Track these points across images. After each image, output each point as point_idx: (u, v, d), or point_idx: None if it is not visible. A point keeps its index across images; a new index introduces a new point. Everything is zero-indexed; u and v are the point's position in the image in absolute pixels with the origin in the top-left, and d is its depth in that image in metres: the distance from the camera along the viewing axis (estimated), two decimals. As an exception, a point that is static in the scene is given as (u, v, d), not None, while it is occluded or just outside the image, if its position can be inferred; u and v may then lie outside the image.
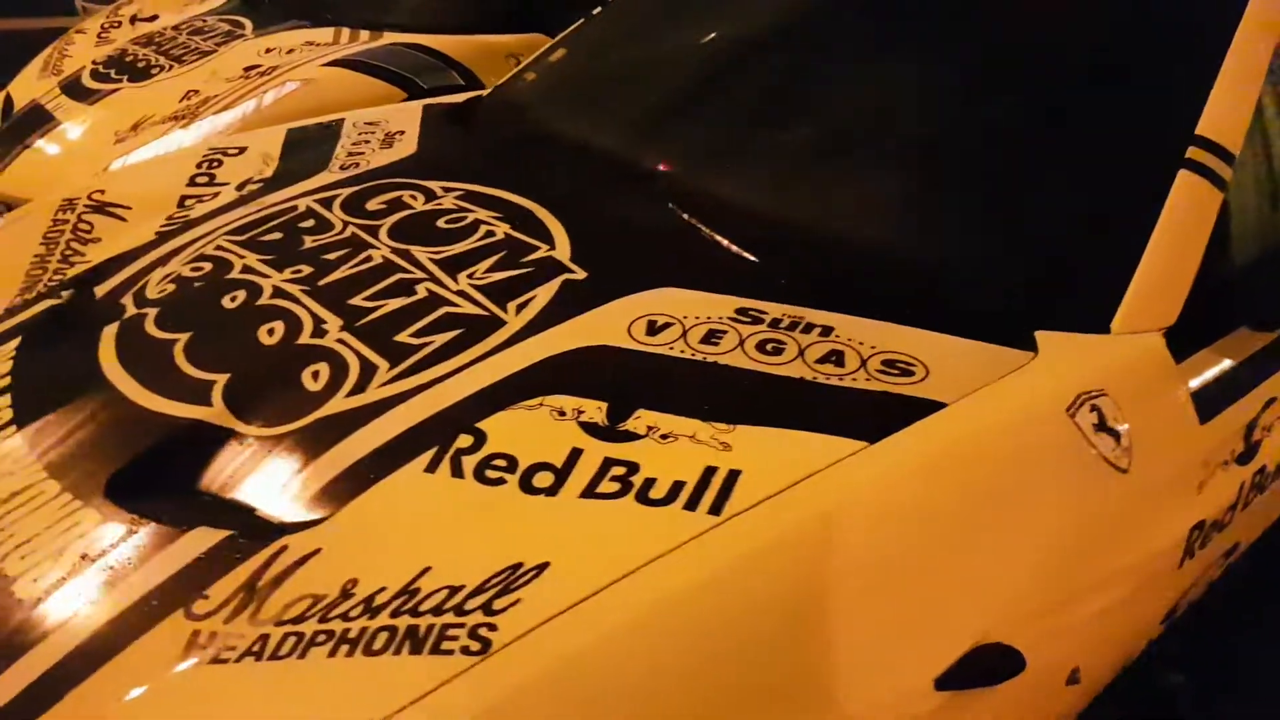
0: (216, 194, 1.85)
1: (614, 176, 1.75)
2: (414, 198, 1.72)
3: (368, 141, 2.02)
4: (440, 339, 1.33)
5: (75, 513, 1.14)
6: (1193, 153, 1.45)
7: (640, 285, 1.40)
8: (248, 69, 3.16)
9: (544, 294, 1.41)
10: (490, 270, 1.48)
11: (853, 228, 1.54)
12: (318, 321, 1.39)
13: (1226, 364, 1.40)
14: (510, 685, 0.88)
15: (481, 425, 1.18)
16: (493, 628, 0.92)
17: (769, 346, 1.28)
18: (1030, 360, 1.26)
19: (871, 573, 1.03)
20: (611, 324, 1.33)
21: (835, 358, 1.25)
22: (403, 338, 1.34)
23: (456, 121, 2.15)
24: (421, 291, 1.44)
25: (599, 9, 2.43)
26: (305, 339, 1.36)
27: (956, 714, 1.06)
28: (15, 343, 1.47)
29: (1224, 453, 1.40)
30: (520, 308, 1.38)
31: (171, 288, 1.53)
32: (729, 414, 1.15)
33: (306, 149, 2.00)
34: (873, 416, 1.15)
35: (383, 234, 1.60)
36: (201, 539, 1.08)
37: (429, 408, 1.22)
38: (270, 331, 1.38)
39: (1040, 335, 1.30)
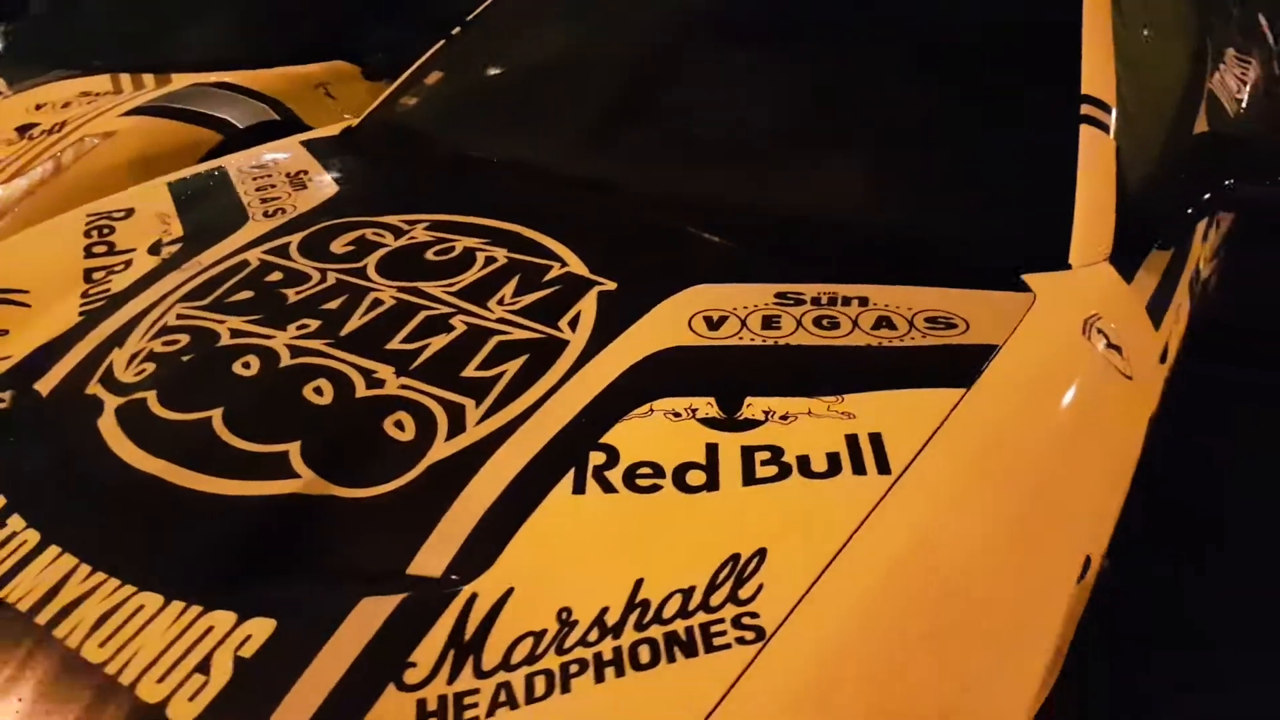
0: (128, 261, 1.69)
1: (583, 188, 1.77)
2: (379, 234, 1.66)
3: (272, 185, 1.90)
4: (510, 367, 1.31)
5: (197, 620, 1.03)
6: (1085, 109, 1.69)
7: (673, 287, 1.44)
8: (22, 129, 2.84)
9: (587, 308, 1.42)
10: (518, 294, 1.46)
11: (838, 208, 1.66)
12: (366, 373, 1.32)
13: (1154, 280, 1.65)
14: (804, 662, 0.92)
15: (606, 440, 1.18)
16: (754, 615, 0.95)
17: (824, 322, 1.37)
18: (1034, 300, 1.43)
19: (1023, 495, 1.15)
20: (671, 326, 1.37)
21: (885, 323, 1.36)
22: (470, 373, 1.31)
23: (350, 153, 2.06)
24: (459, 325, 1.40)
25: (457, 29, 2.41)
26: (364, 392, 1.29)
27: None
28: None
29: (1160, 354, 1.65)
30: (572, 325, 1.39)
31: (151, 366, 1.39)
32: (827, 388, 1.23)
33: (203, 202, 1.87)
34: (950, 366, 1.27)
35: (373, 274, 1.54)
36: (372, 611, 1.02)
37: (541, 435, 1.20)
38: (318, 391, 1.30)
39: (1027, 278, 1.48)
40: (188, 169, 2.05)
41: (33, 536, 1.15)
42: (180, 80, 3.01)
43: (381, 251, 1.60)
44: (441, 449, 1.20)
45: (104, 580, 1.08)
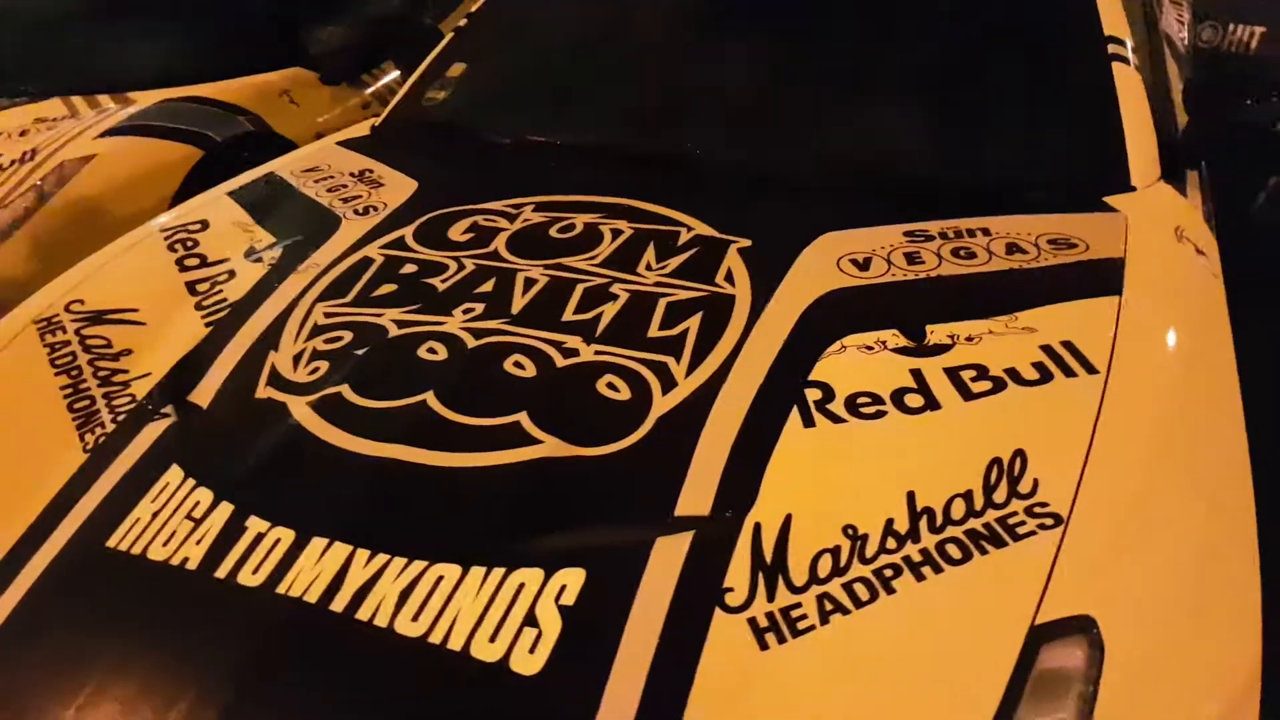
0: (231, 271, 1.66)
1: (665, 160, 1.84)
2: (491, 220, 1.69)
3: (344, 186, 1.90)
4: (691, 323, 1.38)
5: (505, 581, 1.07)
6: (1112, 49, 1.86)
7: (806, 238, 1.53)
8: None
9: (734, 264, 1.49)
10: (661, 259, 1.52)
11: (916, 158, 1.79)
12: (556, 345, 1.36)
13: (1199, 196, 1.83)
14: (1107, 537, 1.03)
15: (814, 378, 1.27)
16: (1044, 504, 1.05)
17: (961, 252, 1.48)
18: (1125, 218, 1.58)
19: (1202, 376, 1.29)
20: (823, 271, 1.46)
21: (1015, 249, 1.49)
22: (655, 334, 1.37)
23: (402, 148, 2.07)
24: (621, 293, 1.46)
25: (465, 21, 2.43)
26: (564, 362, 1.33)
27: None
28: (175, 472, 1.27)
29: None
30: (729, 280, 1.46)
31: (325, 364, 1.40)
32: (998, 309, 1.35)
33: (278, 208, 1.85)
34: (1093, 278, 1.40)
35: (509, 256, 1.57)
36: (671, 548, 1.08)
37: (752, 380, 1.28)
38: (519, 365, 1.33)
39: (1108, 200, 1.64)
40: (236, 180, 2.00)
41: (285, 534, 1.15)
42: (145, 98, 2.90)
43: (503, 235, 1.64)
44: (663, 403, 1.26)
45: (388, 560, 1.10)
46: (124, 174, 2.64)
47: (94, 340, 1.53)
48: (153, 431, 1.35)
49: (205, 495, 1.22)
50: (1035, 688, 0.90)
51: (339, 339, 1.44)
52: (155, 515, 1.21)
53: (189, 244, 1.74)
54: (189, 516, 1.20)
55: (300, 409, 1.33)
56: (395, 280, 1.55)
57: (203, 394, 1.41)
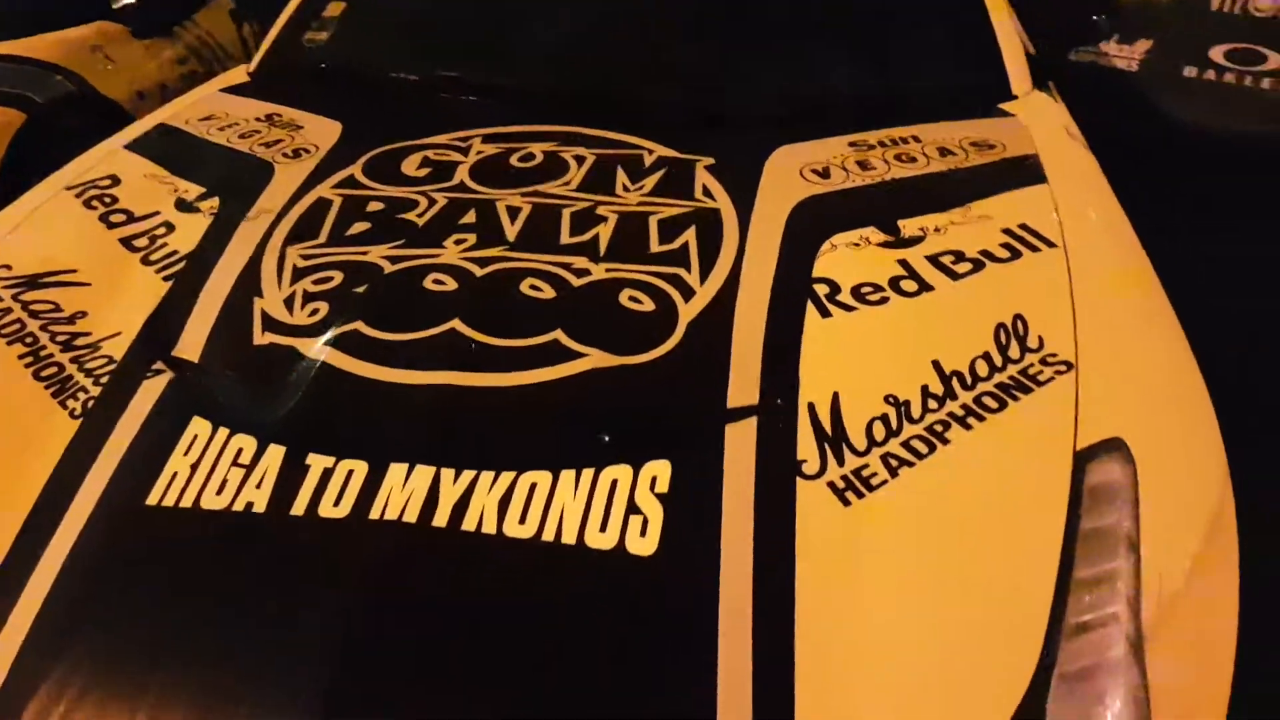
0: (167, 224, 1.57)
1: (592, 92, 1.88)
2: (442, 154, 1.68)
3: (258, 131, 1.82)
4: (688, 236, 1.45)
5: (598, 480, 1.11)
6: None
7: (765, 151, 1.63)
8: None
9: (707, 180, 1.57)
10: (635, 180, 1.58)
11: (839, 77, 1.92)
12: (565, 266, 1.39)
13: (1061, 104, 2.07)
14: (1118, 373, 1.20)
15: (817, 275, 1.38)
16: (1053, 354, 1.20)
17: (903, 158, 1.63)
18: (1022, 121, 1.78)
19: (1124, 240, 1.50)
20: (789, 182, 1.57)
21: (946, 152, 1.65)
22: (658, 249, 1.43)
23: (302, 90, 1.99)
24: (609, 214, 1.50)
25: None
26: (579, 281, 1.37)
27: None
28: (200, 424, 1.22)
29: None
30: (707, 194, 1.54)
31: (324, 305, 1.36)
32: (953, 202, 1.50)
33: (192, 158, 1.74)
34: (1019, 171, 1.58)
35: (478, 187, 1.58)
36: (740, 434, 1.16)
37: (762, 283, 1.37)
38: (535, 288, 1.36)
39: (1002, 106, 1.84)
40: (127, 133, 1.86)
41: (357, 465, 1.14)
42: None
43: (462, 168, 1.63)
44: (688, 310, 1.32)
45: (475, 475, 1.12)
46: (-59, 141, 2.37)
47: (39, 305, 1.40)
48: (153, 388, 1.27)
49: (247, 441, 1.18)
50: (1090, 501, 1.06)
51: (329, 279, 1.40)
52: (194, 467, 1.16)
53: (107, 200, 1.62)
54: (236, 464, 1.16)
55: (315, 349, 1.29)
56: (365, 219, 1.52)
57: (189, 348, 1.34)
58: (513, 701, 0.97)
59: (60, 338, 1.36)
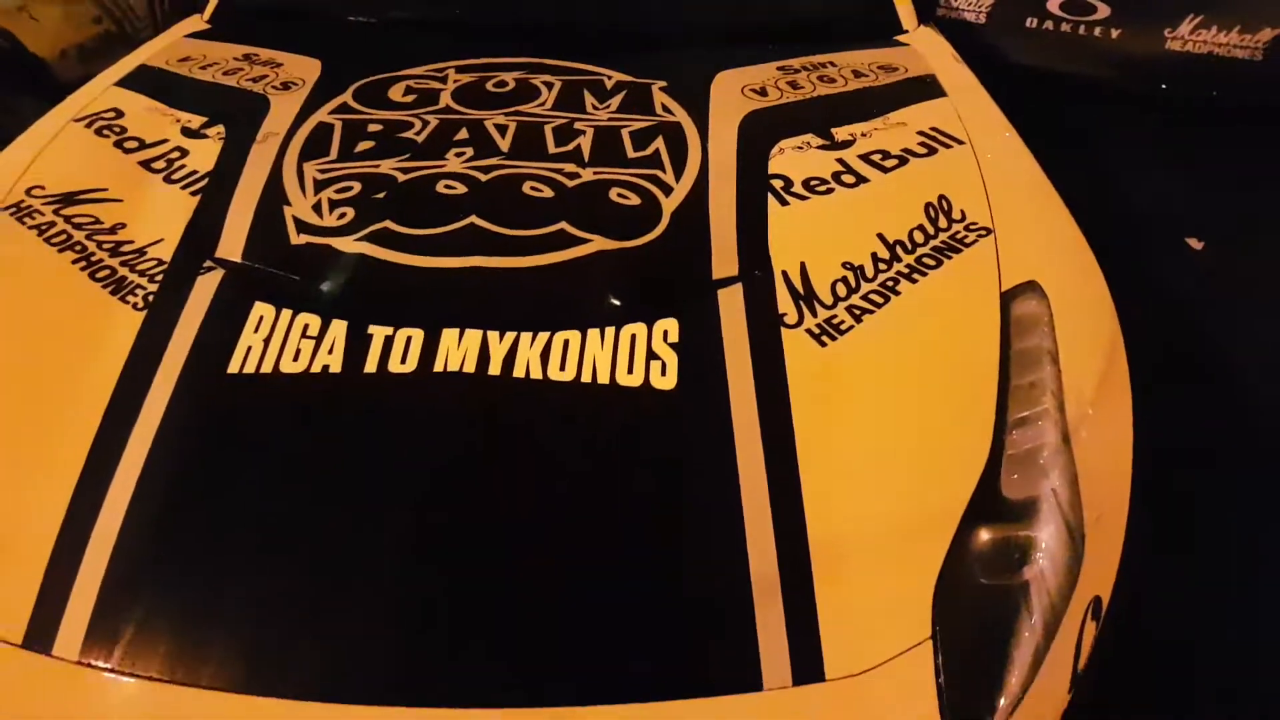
0: (179, 148, 1.72)
1: (537, 28, 2.10)
2: (422, 83, 1.86)
3: (240, 69, 1.96)
4: (658, 144, 1.68)
5: (620, 335, 1.35)
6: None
7: (707, 77, 1.88)
8: None
9: (664, 99, 1.81)
10: (601, 100, 1.80)
11: (775, 8, 2.18)
12: (557, 171, 1.61)
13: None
14: (1030, 233, 1.49)
15: (772, 172, 1.64)
16: (974, 223, 1.48)
17: (824, 79, 1.91)
18: (916, 49, 2.08)
19: (1012, 135, 1.79)
20: (734, 100, 1.81)
21: (859, 74, 1.93)
22: (633, 155, 1.66)
23: (267, 32, 2.12)
24: (585, 128, 1.72)
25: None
26: (571, 184, 1.59)
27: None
28: (263, 308, 1.40)
29: None
30: (666, 110, 1.78)
31: (351, 210, 1.54)
32: (872, 113, 1.78)
33: (188, 92, 1.87)
34: (921, 87, 1.87)
35: (463, 109, 1.77)
36: (731, 295, 1.42)
37: (727, 178, 1.61)
38: (535, 189, 1.57)
39: (899, 38, 2.14)
40: (112, 73, 1.96)
41: (414, 332, 1.34)
42: None
43: (444, 93, 1.82)
44: (669, 203, 1.57)
45: (517, 335, 1.34)
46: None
47: (80, 219, 1.54)
48: (209, 282, 1.44)
49: (311, 319, 1.37)
50: (1017, 328, 1.35)
51: (349, 189, 1.59)
52: (266, 341, 1.34)
53: (116, 129, 1.75)
54: (305, 336, 1.35)
55: (352, 245, 1.48)
56: (369, 138, 1.70)
57: (230, 251, 1.50)
58: (568, 506, 1.20)
59: (106, 245, 1.50)
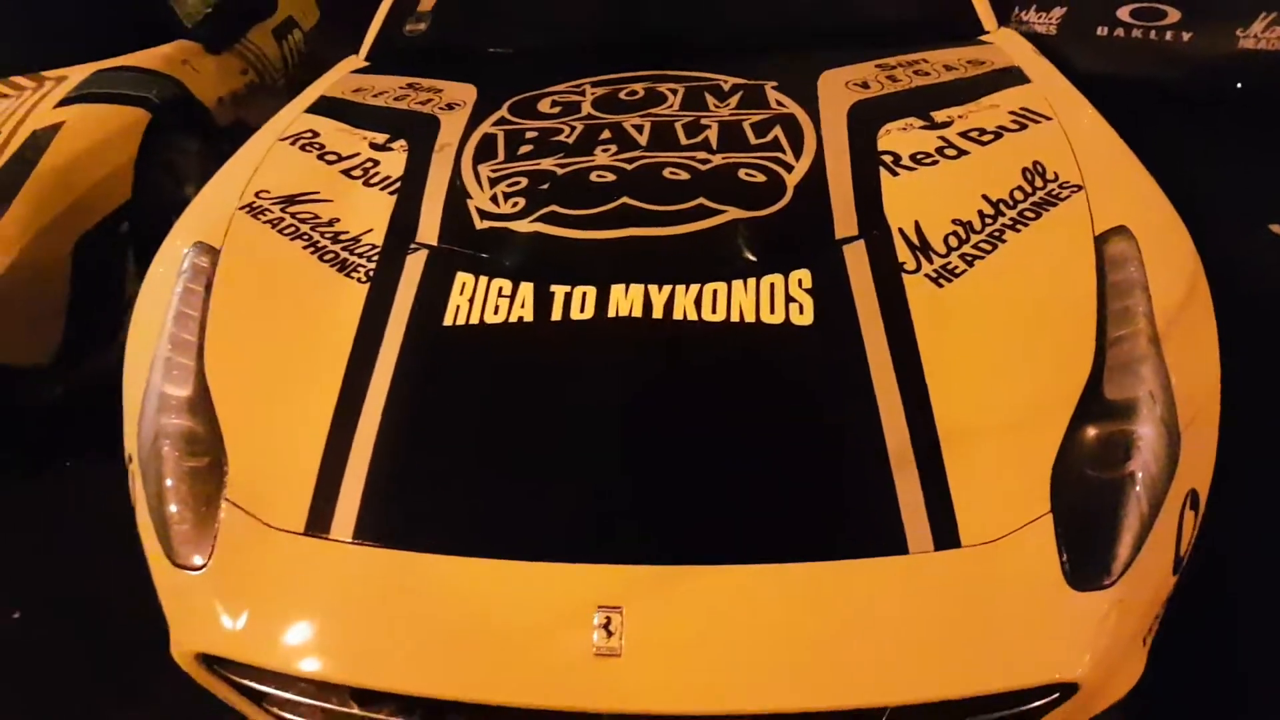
0: (371, 160, 2.01)
1: (657, 46, 2.38)
2: (566, 96, 2.15)
3: (407, 95, 2.28)
4: (777, 132, 1.94)
5: (760, 284, 1.60)
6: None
7: (812, 75, 2.13)
8: None
9: (778, 95, 2.07)
10: (721, 100, 2.07)
11: (871, 14, 2.45)
12: (691, 158, 1.87)
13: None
14: (1122, 185, 1.71)
15: (881, 149, 1.87)
16: (1067, 181, 1.69)
17: (919, 73, 2.14)
18: (999, 47, 2.31)
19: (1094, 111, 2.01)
20: (840, 93, 2.05)
21: (950, 68, 2.16)
22: (755, 141, 1.92)
23: (424, 67, 2.44)
24: (710, 123, 1.99)
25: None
26: (704, 168, 1.84)
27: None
28: (464, 276, 1.68)
29: None
30: (780, 104, 2.04)
31: (522, 200, 1.82)
32: (966, 99, 1.99)
33: (368, 119, 2.18)
34: (1007, 77, 2.08)
35: (604, 116, 2.05)
36: (855, 251, 1.65)
37: (842, 157, 1.84)
38: (673, 173, 1.84)
39: (983, 38, 2.37)
40: (300, 102, 2.30)
41: (588, 289, 1.60)
42: (80, 71, 3.00)
43: (585, 103, 2.11)
44: (792, 178, 1.81)
45: (673, 287, 1.59)
46: (92, 138, 2.78)
47: (302, 214, 1.85)
48: (416, 260, 1.73)
49: (503, 283, 1.65)
50: (1110, 265, 1.54)
51: (518, 184, 1.87)
52: (471, 301, 1.62)
53: (315, 146, 2.07)
54: (500, 295, 1.62)
55: (527, 226, 1.76)
56: (527, 143, 1.99)
57: (428, 236, 1.79)
58: (728, 412, 1.44)
59: (327, 235, 1.81)
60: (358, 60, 2.62)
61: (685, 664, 1.25)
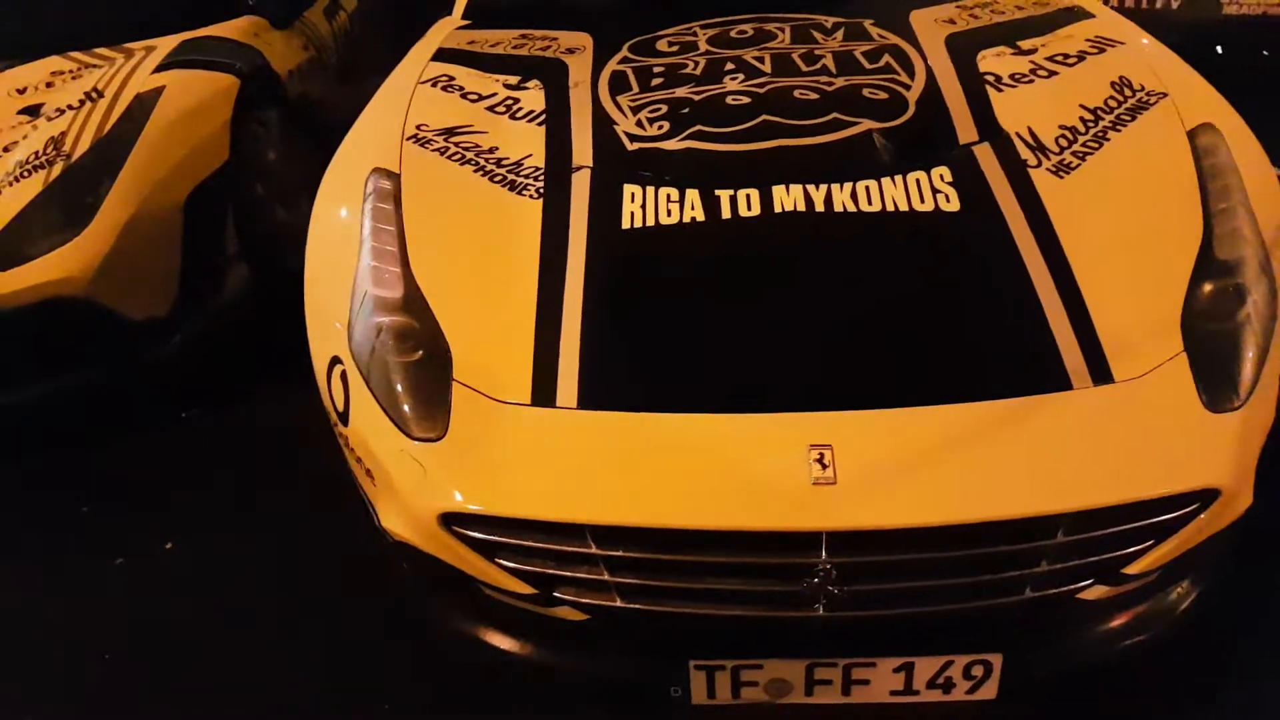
0: (512, 99, 2.19)
1: None
2: (681, 37, 2.37)
3: (526, 44, 2.48)
4: (887, 58, 2.17)
5: (906, 181, 1.82)
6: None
7: (905, 12, 2.35)
8: (28, 110, 2.88)
9: (876, 30, 2.29)
10: (827, 35, 2.29)
11: None
12: (815, 82, 2.08)
13: None
14: (1188, 88, 1.95)
15: (982, 70, 2.09)
16: (1153, 90, 1.93)
17: (994, 11, 2.37)
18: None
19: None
20: (933, 27, 2.29)
21: (1018, 8, 2.40)
22: (868, 66, 2.14)
23: (523, 20, 2.62)
24: (823, 54, 2.20)
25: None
26: (830, 89, 2.06)
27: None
28: (632, 187, 1.87)
29: None
30: (882, 37, 2.26)
31: (666, 123, 2.02)
32: (1044, 30, 2.23)
33: (494, 63, 2.38)
34: (1072, 14, 2.33)
35: (721, 51, 2.26)
36: (984, 150, 1.88)
37: (950, 76, 2.08)
38: (802, 93, 2.05)
39: None
40: (421, 53, 2.46)
41: (750, 192, 1.81)
42: (166, 41, 3.13)
43: (701, 40, 2.31)
44: (911, 95, 2.03)
45: (829, 186, 1.80)
46: (192, 100, 2.92)
47: (465, 144, 2.03)
48: (581, 178, 1.91)
49: (671, 190, 1.84)
50: (1203, 152, 1.79)
51: (659, 110, 2.07)
52: (643, 206, 1.82)
53: (455, 88, 2.25)
54: (670, 201, 1.82)
55: (677, 145, 1.95)
56: (657, 76, 2.19)
57: (583, 159, 1.98)
58: (896, 279, 1.67)
59: (490, 160, 1.99)
60: (455, 19, 2.79)
61: (894, 487, 1.45)
